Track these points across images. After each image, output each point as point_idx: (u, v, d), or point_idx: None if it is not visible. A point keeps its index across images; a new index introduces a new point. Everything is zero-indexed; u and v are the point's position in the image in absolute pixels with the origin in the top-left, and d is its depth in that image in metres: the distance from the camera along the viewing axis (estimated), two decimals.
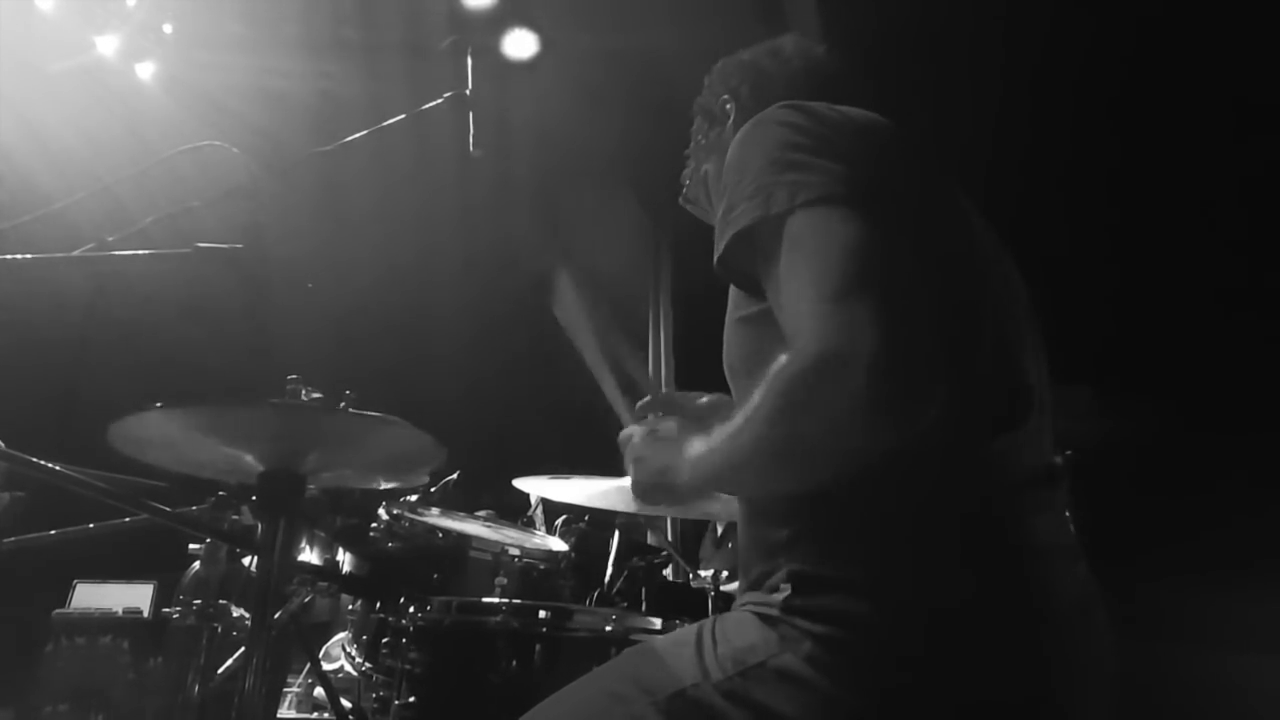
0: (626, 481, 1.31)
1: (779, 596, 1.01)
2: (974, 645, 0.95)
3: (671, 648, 1.09)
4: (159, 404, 1.33)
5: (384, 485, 1.86)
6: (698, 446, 1.10)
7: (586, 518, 2.71)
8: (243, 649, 2.03)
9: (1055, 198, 3.45)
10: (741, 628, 1.03)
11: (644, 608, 2.41)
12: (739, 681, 0.98)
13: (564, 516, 2.94)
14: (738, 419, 1.00)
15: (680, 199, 1.53)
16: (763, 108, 1.15)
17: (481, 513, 2.62)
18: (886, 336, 0.88)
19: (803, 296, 0.96)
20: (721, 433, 1.03)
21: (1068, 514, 1.11)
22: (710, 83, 1.50)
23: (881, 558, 0.98)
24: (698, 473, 1.10)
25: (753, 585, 1.10)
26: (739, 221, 1.04)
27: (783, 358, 0.95)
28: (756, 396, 0.97)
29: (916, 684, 0.94)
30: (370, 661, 2.06)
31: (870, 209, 0.97)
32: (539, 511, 3.12)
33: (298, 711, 2.82)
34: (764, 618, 1.02)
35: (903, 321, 0.90)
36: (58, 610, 2.68)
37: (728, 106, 1.42)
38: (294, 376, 1.65)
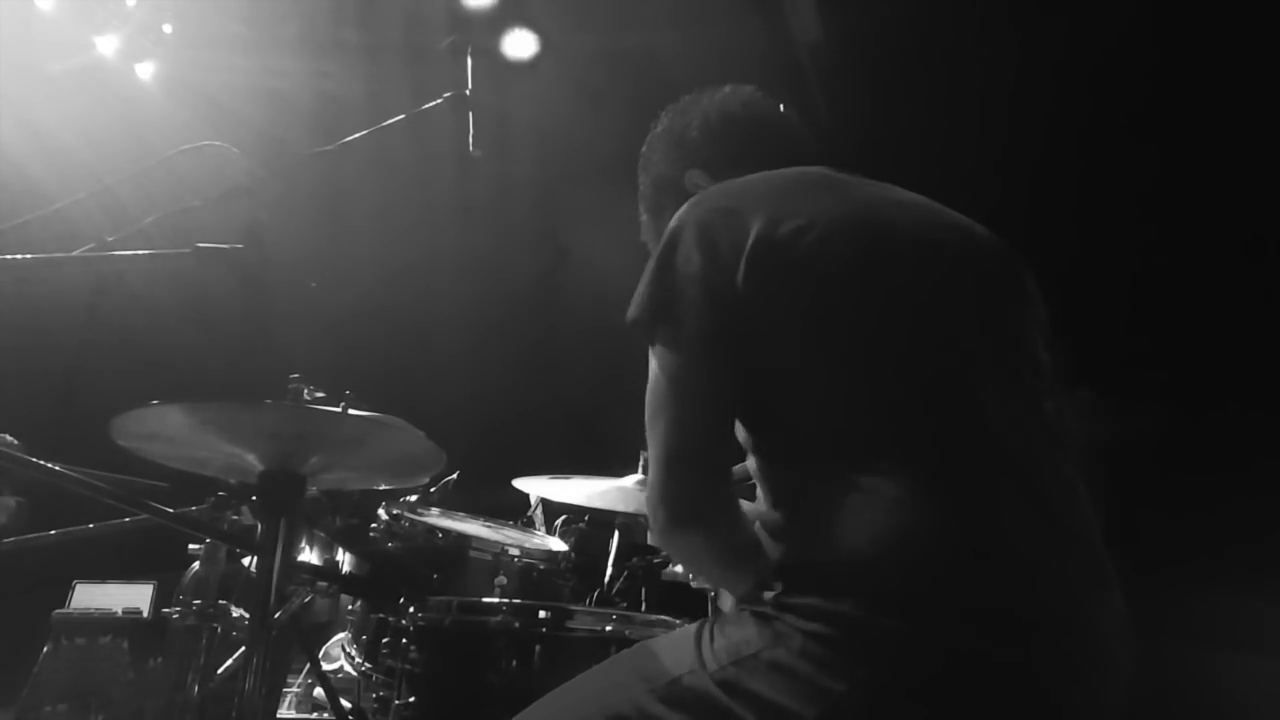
0: (626, 481, 1.43)
1: (770, 594, 1.05)
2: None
3: (671, 644, 1.14)
4: (155, 401, 1.33)
5: (384, 485, 1.87)
6: None
7: (586, 518, 2.71)
8: (243, 649, 2.03)
9: (1057, 195, 3.45)
10: (738, 623, 1.08)
11: (644, 608, 2.40)
12: (733, 671, 1.02)
13: (564, 516, 2.94)
14: None
15: None
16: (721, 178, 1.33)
17: (509, 522, 2.63)
18: (662, 456, 1.11)
19: None
20: None
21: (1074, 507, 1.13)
22: (664, 149, 1.53)
23: (860, 560, 1.02)
24: None
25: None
26: (629, 311, 1.20)
27: None
28: None
29: (904, 680, 0.97)
30: (370, 661, 2.05)
31: (719, 323, 1.12)
32: (539, 511, 3.11)
33: (298, 711, 2.81)
34: (759, 615, 1.05)
35: (681, 434, 1.12)
36: (58, 610, 2.68)
37: (698, 183, 1.46)
38: (295, 376, 1.65)
